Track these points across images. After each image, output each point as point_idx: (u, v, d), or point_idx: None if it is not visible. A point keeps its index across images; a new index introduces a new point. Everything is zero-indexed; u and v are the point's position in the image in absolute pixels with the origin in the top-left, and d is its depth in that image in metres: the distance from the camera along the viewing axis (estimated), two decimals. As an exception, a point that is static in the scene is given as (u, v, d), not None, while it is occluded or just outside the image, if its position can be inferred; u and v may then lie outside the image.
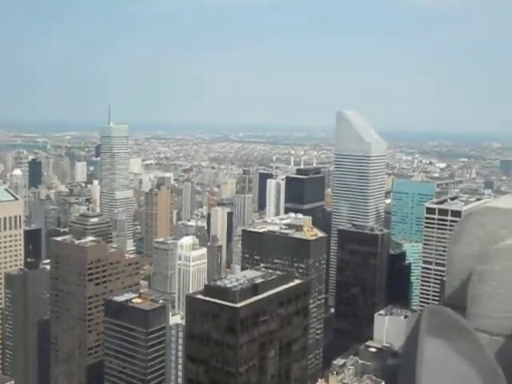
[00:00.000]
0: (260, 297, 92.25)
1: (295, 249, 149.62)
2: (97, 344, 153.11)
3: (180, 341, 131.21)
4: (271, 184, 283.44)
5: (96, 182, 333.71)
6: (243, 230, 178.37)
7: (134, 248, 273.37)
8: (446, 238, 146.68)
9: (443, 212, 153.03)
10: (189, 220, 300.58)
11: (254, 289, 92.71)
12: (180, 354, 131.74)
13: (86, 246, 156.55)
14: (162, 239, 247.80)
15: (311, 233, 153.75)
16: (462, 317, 3.44)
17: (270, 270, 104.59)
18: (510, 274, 3.67)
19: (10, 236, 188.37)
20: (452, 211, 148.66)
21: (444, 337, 3.35)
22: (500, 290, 3.65)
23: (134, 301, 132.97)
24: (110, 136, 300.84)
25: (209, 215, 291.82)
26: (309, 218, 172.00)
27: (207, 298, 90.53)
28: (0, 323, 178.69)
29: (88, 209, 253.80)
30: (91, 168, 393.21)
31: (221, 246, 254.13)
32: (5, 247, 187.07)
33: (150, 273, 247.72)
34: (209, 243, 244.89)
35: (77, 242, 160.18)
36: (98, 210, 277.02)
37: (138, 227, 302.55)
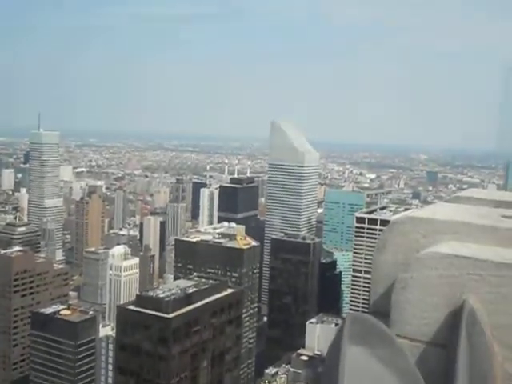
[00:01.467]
0: (193, 306, 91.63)
1: (228, 258, 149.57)
2: (22, 358, 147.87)
3: (110, 353, 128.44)
4: (205, 193, 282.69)
5: (24, 190, 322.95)
6: (176, 240, 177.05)
7: (63, 258, 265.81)
8: (375, 247, 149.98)
9: (373, 221, 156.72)
10: (121, 229, 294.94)
11: (187, 298, 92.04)
12: (110, 366, 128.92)
13: (12, 256, 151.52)
14: (92, 249, 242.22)
15: (244, 242, 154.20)
16: (384, 324, 3.57)
17: (203, 280, 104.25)
18: (428, 282, 3.78)
19: None
20: (381, 220, 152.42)
21: (366, 344, 3.26)
22: (419, 297, 3.78)
23: (62, 312, 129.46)
24: (39, 143, 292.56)
25: (141, 224, 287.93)
26: (242, 227, 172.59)
27: (139, 309, 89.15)
28: None
29: (15, 217, 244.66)
30: (19, 175, 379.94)
31: (153, 256, 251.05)
32: None
33: (80, 283, 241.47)
34: (141, 253, 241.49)
35: (2, 251, 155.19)
36: (25, 218, 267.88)
37: (67, 236, 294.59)
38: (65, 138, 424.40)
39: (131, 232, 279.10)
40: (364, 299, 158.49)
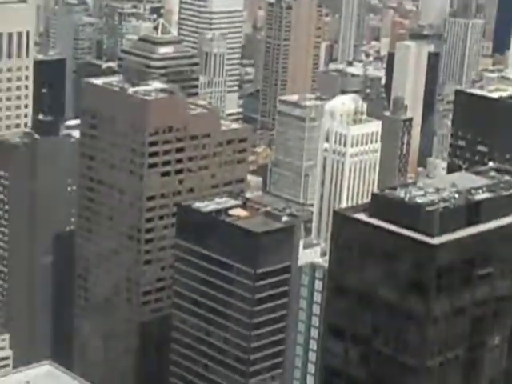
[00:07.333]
0: (482, 228, 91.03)
1: None
2: (159, 286, 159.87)
3: (317, 296, 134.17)
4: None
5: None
6: (458, 92, 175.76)
7: (239, 110, 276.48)
8: None
9: None
10: (350, 63, 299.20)
11: (472, 212, 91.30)
12: (315, 319, 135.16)
13: (148, 99, 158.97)
14: (294, 97, 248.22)
15: None
16: None
17: (508, 177, 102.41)
18: None
19: (9, 70, 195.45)
20: None
21: None
22: None
23: (232, 212, 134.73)
24: None
25: (391, 56, 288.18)
26: None
27: (373, 221, 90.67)
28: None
29: (155, 28, 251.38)
30: None
31: (411, 120, 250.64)
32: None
33: (269, 161, 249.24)
34: (387, 112, 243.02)
35: (131, 89, 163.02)
36: (174, 30, 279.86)
37: (248, 70, 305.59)
38: None
39: (370, 70, 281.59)
40: None
